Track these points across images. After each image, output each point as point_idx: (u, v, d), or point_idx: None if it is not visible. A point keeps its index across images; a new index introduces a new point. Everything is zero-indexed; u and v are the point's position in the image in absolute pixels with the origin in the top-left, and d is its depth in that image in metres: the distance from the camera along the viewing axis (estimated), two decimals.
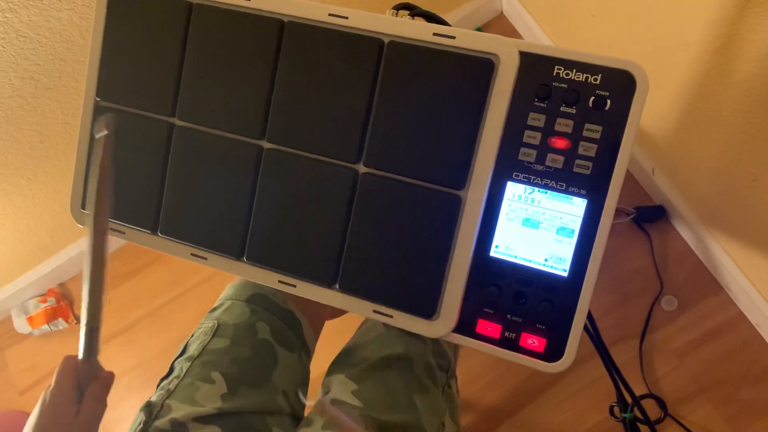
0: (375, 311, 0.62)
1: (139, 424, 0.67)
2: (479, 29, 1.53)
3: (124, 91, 0.68)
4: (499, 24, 1.53)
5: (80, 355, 0.58)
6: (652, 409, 1.19)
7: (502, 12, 1.53)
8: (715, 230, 1.21)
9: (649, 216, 1.30)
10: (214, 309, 0.81)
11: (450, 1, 1.46)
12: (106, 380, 0.61)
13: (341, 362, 0.75)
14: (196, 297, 1.56)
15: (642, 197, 1.33)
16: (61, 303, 1.58)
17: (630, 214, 1.28)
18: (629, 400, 1.11)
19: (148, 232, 0.68)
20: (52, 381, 0.57)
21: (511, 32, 1.51)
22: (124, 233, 0.69)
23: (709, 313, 1.26)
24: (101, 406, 0.60)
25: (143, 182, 0.67)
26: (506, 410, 1.29)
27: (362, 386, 0.70)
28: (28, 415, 1.53)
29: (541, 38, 1.40)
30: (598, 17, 1.14)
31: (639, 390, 1.19)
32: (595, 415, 1.25)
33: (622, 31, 1.09)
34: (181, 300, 1.57)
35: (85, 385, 0.58)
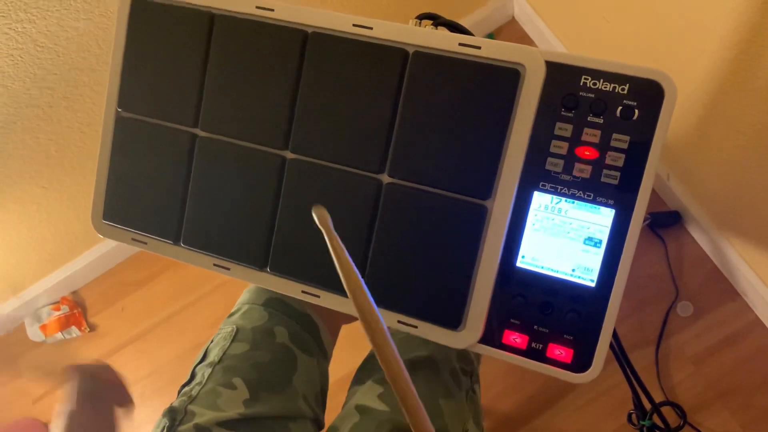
0: (399, 321, 0.61)
1: (163, 428, 0.67)
2: (491, 35, 1.53)
3: (146, 101, 0.68)
4: (511, 29, 1.53)
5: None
6: (669, 416, 1.19)
7: (513, 17, 1.53)
8: (731, 235, 1.20)
9: (664, 222, 1.29)
10: (232, 314, 0.82)
11: (462, 8, 1.46)
12: (111, 381, 0.60)
13: (367, 368, 0.75)
14: (209, 304, 1.57)
15: (657, 203, 1.33)
16: (74, 311, 1.58)
17: (645, 219, 1.28)
18: (647, 407, 1.11)
19: (171, 242, 0.68)
20: (64, 396, 0.57)
21: (523, 37, 1.51)
22: (146, 244, 0.69)
23: (726, 319, 1.26)
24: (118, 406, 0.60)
25: (166, 193, 0.67)
26: (523, 417, 1.28)
27: (388, 389, 0.70)
28: (42, 423, 1.53)
29: (553, 43, 1.40)
30: (613, 22, 1.14)
31: (655, 397, 1.18)
32: (611, 422, 1.25)
33: (638, 37, 1.09)
34: (194, 307, 1.57)
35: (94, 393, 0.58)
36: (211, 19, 0.64)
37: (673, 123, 1.14)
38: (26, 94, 1.06)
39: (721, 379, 1.23)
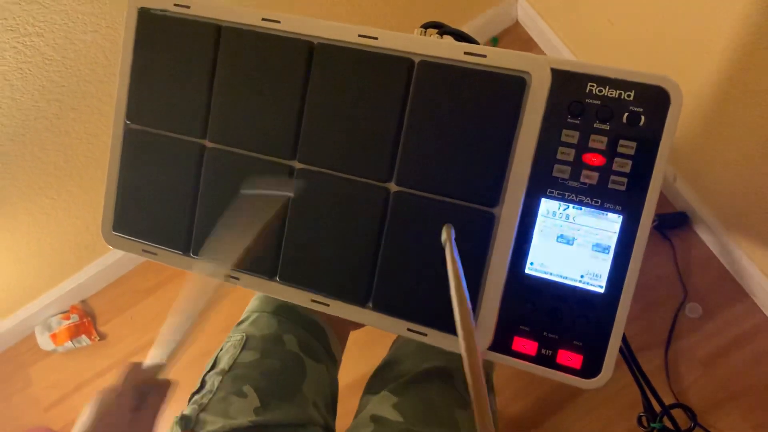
0: (409, 329, 0.62)
1: None
2: (495, 39, 1.53)
3: (154, 113, 0.68)
4: (514, 32, 1.53)
5: (148, 361, 0.56)
6: (679, 418, 1.18)
7: (517, 20, 1.53)
8: (738, 236, 1.20)
9: (671, 223, 1.29)
10: (242, 322, 0.82)
11: (466, 11, 1.46)
12: (164, 389, 0.58)
13: (380, 377, 0.75)
14: (218, 311, 1.56)
15: (664, 204, 1.32)
16: (83, 320, 1.59)
17: (652, 221, 1.28)
18: (657, 409, 1.10)
19: (181, 253, 0.69)
20: (114, 382, 0.54)
21: (527, 41, 1.51)
22: (156, 255, 0.70)
23: (735, 320, 1.25)
24: (157, 414, 0.56)
25: (175, 204, 0.68)
26: (532, 420, 1.28)
27: (402, 399, 0.70)
28: (53, 431, 1.54)
29: (557, 46, 1.40)
30: (618, 25, 1.14)
31: (665, 399, 1.18)
32: (621, 424, 1.25)
33: (643, 39, 1.09)
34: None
35: (144, 393, 0.55)
36: (218, 31, 0.65)
37: (680, 124, 1.14)
38: (34, 106, 1.07)
39: (731, 381, 1.23)
